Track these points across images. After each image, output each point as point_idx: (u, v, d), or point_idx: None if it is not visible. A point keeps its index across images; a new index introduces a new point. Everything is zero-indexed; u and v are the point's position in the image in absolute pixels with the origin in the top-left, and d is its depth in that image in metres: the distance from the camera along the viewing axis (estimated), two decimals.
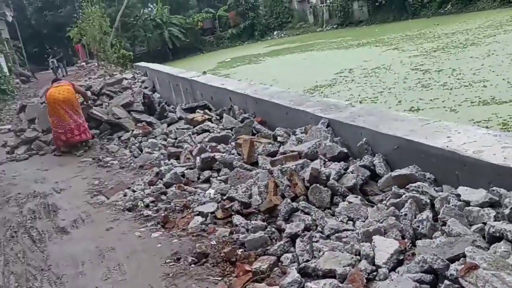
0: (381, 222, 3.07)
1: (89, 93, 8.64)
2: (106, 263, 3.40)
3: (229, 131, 6.79)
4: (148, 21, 38.74)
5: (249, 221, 3.74)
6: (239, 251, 3.15)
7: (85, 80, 13.47)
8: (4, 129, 10.10)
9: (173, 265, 3.15)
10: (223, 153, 5.68)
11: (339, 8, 33.63)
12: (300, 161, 4.38)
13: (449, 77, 12.08)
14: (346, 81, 14.58)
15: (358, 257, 2.84)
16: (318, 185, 3.79)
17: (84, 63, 24.70)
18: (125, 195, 4.87)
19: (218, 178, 5.06)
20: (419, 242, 2.68)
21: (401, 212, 3.02)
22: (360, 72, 15.57)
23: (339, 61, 19.11)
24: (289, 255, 3.06)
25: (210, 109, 8.78)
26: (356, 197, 3.71)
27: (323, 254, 2.92)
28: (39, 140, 7.64)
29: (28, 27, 35.32)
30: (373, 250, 2.78)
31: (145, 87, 10.90)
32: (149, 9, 42.55)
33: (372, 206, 3.65)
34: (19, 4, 34.18)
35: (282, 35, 38.66)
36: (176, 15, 40.73)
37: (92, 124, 8.18)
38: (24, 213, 4.85)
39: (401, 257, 2.74)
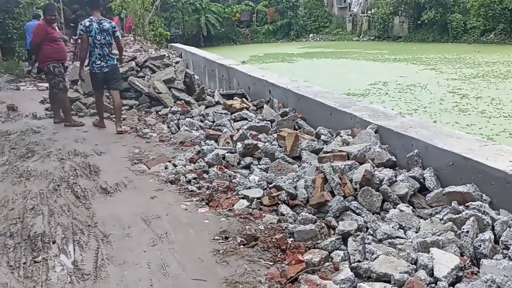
0: (439, 235, 3.00)
1: (133, 63, 8.67)
2: (153, 230, 3.39)
3: (268, 122, 6.76)
4: (187, 4, 38.79)
5: (295, 212, 3.71)
6: (289, 240, 3.11)
7: (125, 50, 13.50)
8: (42, 86, 10.21)
9: (222, 242, 3.12)
10: (264, 142, 5.65)
11: (379, 20, 33.24)
12: (349, 162, 4.32)
13: (488, 105, 11.85)
14: (380, 93, 14.40)
15: (414, 266, 2.78)
16: (370, 188, 3.73)
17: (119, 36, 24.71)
18: (166, 167, 4.86)
19: (259, 166, 5.04)
20: (484, 262, 2.62)
21: (463, 229, 2.95)
22: (394, 87, 15.36)
23: (374, 72, 18.89)
24: (340, 253, 3.02)
25: (247, 99, 8.76)
26: (407, 206, 3.65)
27: (377, 257, 2.86)
28: (79, 102, 7.69)
29: None
30: (431, 262, 2.72)
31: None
32: None
33: (422, 218, 3.58)
34: None
35: (318, 38, 38.41)
36: (215, 3, 40.75)
37: (132, 94, 8.21)
38: (66, 169, 4.87)
39: (460, 274, 2.67)
